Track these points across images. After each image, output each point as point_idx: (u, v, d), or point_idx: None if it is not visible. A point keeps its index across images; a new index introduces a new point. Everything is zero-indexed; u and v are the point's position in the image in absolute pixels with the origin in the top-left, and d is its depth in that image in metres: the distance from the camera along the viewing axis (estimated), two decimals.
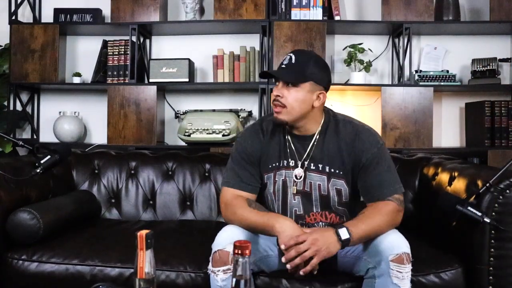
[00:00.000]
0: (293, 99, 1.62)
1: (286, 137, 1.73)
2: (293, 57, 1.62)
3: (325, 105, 1.76)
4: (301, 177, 1.68)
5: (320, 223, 1.71)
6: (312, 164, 1.69)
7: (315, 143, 1.69)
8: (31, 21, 3.32)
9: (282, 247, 1.48)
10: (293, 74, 1.62)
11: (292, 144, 1.71)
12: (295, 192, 1.69)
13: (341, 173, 1.67)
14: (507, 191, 1.63)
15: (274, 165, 1.71)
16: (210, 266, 1.52)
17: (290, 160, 1.70)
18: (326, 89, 1.68)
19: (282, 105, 1.63)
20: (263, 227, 1.56)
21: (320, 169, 1.68)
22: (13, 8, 3.17)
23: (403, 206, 1.63)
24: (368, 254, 1.55)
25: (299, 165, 1.69)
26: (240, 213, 1.61)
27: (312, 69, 1.63)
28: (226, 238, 1.52)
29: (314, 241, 1.46)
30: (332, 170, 1.67)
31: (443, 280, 1.66)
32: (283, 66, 1.63)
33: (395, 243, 1.48)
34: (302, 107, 1.64)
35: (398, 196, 1.62)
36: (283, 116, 1.64)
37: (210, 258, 1.53)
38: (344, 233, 1.47)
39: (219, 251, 1.51)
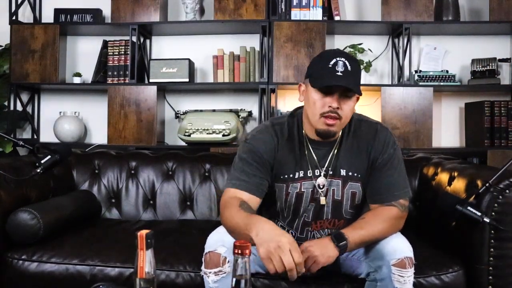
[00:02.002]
0: (349, 110, 1.51)
1: (305, 144, 1.61)
2: (347, 63, 1.47)
3: None
4: (323, 185, 1.60)
5: (326, 230, 1.67)
6: (329, 169, 1.60)
7: (337, 148, 1.61)
8: (32, 21, 3.32)
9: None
10: (355, 84, 1.49)
11: (312, 152, 1.60)
12: (324, 203, 1.61)
13: (358, 176, 1.61)
14: (507, 191, 1.63)
15: (287, 176, 1.60)
16: (202, 267, 1.50)
17: (308, 170, 1.60)
18: None
19: (338, 117, 1.49)
20: (242, 230, 1.38)
21: (337, 173, 1.60)
22: (13, 8, 3.17)
23: (406, 212, 1.58)
24: (370, 258, 1.52)
25: (322, 174, 1.60)
26: (228, 213, 1.48)
27: (360, 75, 1.56)
28: (217, 240, 1.48)
29: (309, 250, 1.41)
30: (350, 173, 1.60)
31: (444, 282, 1.65)
32: (340, 73, 1.45)
33: (398, 247, 1.46)
34: (351, 116, 1.56)
35: (403, 201, 1.58)
36: (336, 128, 1.52)
37: (202, 259, 1.50)
38: (340, 238, 1.44)
39: (209, 253, 1.47)
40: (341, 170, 1.61)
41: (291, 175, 1.60)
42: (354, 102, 1.53)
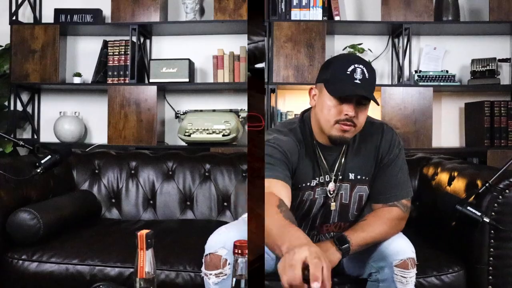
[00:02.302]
0: (363, 118, 1.50)
1: (317, 150, 1.57)
2: (365, 71, 1.44)
3: None
4: (333, 191, 1.59)
5: (332, 233, 1.66)
6: (339, 174, 1.59)
7: (345, 152, 1.59)
8: (32, 21, 3.32)
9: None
10: (372, 93, 1.46)
11: (323, 158, 1.57)
12: (334, 208, 1.60)
13: (366, 178, 1.60)
14: (507, 191, 1.64)
15: (305, 185, 1.56)
16: (202, 269, 1.49)
17: (321, 176, 1.57)
18: None
19: (353, 125, 1.47)
20: (272, 237, 1.22)
21: (346, 178, 1.59)
22: (13, 8, 3.17)
23: (408, 213, 1.57)
24: (372, 258, 1.51)
25: (332, 179, 1.58)
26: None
27: (375, 82, 1.51)
28: (218, 242, 1.46)
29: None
30: (358, 177, 1.59)
31: (444, 282, 1.65)
32: (358, 81, 1.42)
33: (400, 248, 1.45)
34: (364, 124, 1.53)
35: (406, 202, 1.57)
36: (350, 135, 1.50)
37: (203, 260, 1.49)
38: (343, 241, 1.43)
39: (210, 255, 1.46)
40: (350, 174, 1.60)
41: (308, 183, 1.57)
42: (367, 109, 1.51)
